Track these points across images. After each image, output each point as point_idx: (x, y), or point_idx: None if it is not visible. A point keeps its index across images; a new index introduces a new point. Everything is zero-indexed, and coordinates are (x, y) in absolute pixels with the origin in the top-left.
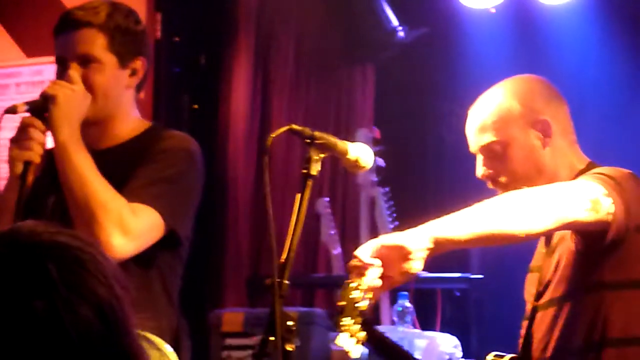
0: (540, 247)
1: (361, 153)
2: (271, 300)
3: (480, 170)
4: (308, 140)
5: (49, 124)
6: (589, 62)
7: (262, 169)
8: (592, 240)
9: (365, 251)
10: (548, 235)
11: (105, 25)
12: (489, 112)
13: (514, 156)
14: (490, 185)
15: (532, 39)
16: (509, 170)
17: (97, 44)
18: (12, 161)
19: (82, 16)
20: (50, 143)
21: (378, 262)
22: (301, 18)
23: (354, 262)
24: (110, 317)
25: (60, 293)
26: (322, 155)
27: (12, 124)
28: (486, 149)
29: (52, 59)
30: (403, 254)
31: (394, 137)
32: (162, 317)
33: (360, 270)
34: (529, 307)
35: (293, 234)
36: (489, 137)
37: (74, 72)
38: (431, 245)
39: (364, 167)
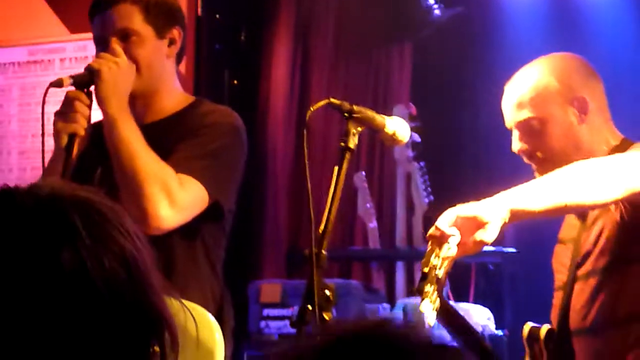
0: (572, 220)
1: (398, 127)
2: (309, 270)
3: (517, 145)
4: (346, 114)
5: (97, 98)
6: (625, 42)
7: (300, 144)
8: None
9: (444, 221)
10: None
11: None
12: (527, 88)
13: (551, 132)
14: (526, 160)
15: (568, 19)
16: (546, 146)
17: (134, 17)
18: (57, 134)
19: None
20: (95, 116)
21: (456, 231)
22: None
23: (433, 232)
24: (133, 267)
25: (85, 243)
26: (360, 129)
27: (57, 98)
28: (523, 125)
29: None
30: (478, 224)
31: (430, 114)
32: (206, 287)
33: (440, 240)
34: (561, 277)
35: (331, 206)
36: (526, 113)
37: (116, 45)
38: (507, 216)
39: (400, 141)
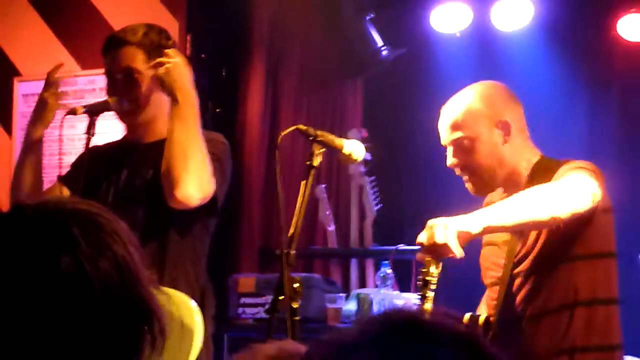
0: None
1: (354, 148)
2: (280, 267)
3: (450, 160)
4: (311, 138)
5: (173, 91)
6: (537, 77)
7: (271, 161)
8: (574, 222)
9: (452, 240)
10: None
11: (142, 42)
12: (459, 111)
13: (479, 150)
14: (457, 172)
15: (490, 59)
16: (475, 162)
17: (137, 58)
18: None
19: (123, 36)
20: (99, 140)
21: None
22: (304, 40)
23: (431, 246)
24: (125, 269)
25: (83, 249)
26: (322, 150)
27: (70, 122)
28: (456, 143)
29: (103, 70)
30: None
31: (379, 136)
32: (191, 278)
33: (438, 253)
34: (494, 274)
35: (299, 213)
36: (458, 133)
37: (172, 51)
38: (480, 232)
39: (356, 159)
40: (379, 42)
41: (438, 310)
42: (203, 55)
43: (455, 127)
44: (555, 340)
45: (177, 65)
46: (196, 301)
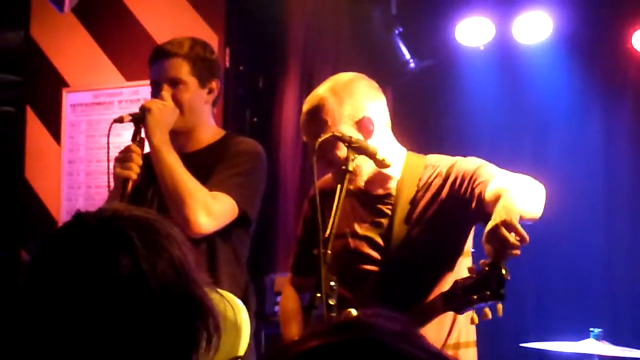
0: (364, 216)
1: (386, 154)
2: (317, 266)
3: (314, 158)
4: (347, 144)
5: (145, 131)
6: (556, 87)
7: (305, 166)
8: (476, 217)
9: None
10: (375, 208)
11: (188, 55)
12: (319, 111)
13: (341, 148)
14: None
15: (512, 70)
16: (339, 161)
17: (182, 69)
18: (115, 176)
19: (170, 49)
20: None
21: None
22: (336, 51)
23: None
24: (180, 269)
25: (141, 252)
26: (357, 156)
27: (115, 131)
28: (322, 144)
29: (147, 82)
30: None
31: (406, 144)
32: (235, 279)
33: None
34: (362, 267)
35: (334, 216)
36: (323, 131)
37: (166, 92)
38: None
39: (389, 164)
40: (407, 54)
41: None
42: (241, 67)
43: (316, 124)
44: (440, 336)
45: (163, 107)
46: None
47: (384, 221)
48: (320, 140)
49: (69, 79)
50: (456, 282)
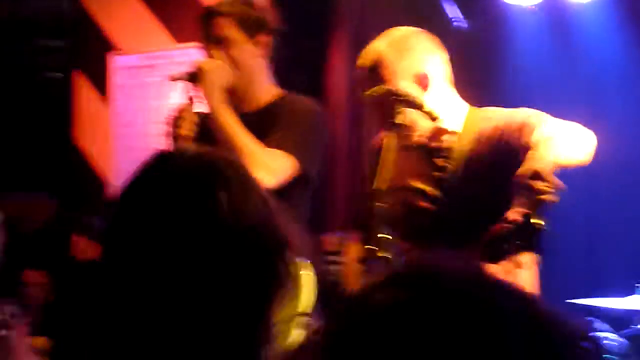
0: (423, 169)
1: (434, 106)
2: (370, 218)
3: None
4: (394, 97)
5: (202, 91)
6: (608, 47)
7: (354, 127)
8: None
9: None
10: (432, 160)
11: (232, 12)
12: (377, 64)
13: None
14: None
15: (565, 30)
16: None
17: (228, 27)
18: (171, 138)
19: (215, 8)
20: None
21: None
22: (385, 12)
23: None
24: (268, 207)
25: (235, 189)
26: (405, 109)
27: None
28: (376, 98)
29: (196, 44)
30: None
31: None
32: (297, 237)
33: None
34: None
35: (388, 166)
36: (376, 84)
37: (216, 52)
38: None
39: (436, 117)
40: (458, 14)
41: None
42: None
43: (370, 77)
44: None
45: (216, 67)
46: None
47: (442, 175)
48: (370, 92)
49: (118, 43)
50: (491, 230)
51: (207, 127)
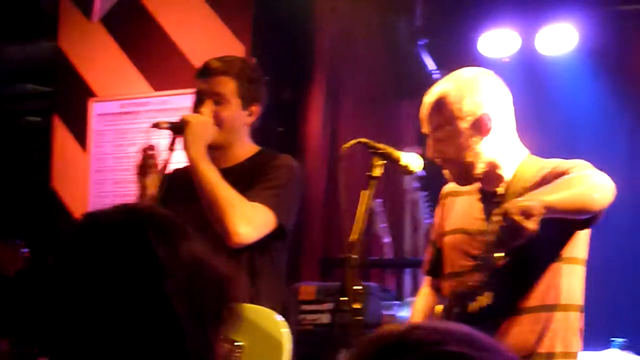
0: (477, 213)
1: (410, 160)
2: (343, 270)
3: (430, 150)
4: (372, 150)
5: (183, 143)
6: (581, 99)
7: (331, 176)
8: (580, 222)
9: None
10: (488, 206)
11: (237, 75)
12: (441, 103)
13: (458, 142)
14: (438, 162)
15: (537, 82)
16: (453, 154)
17: (229, 88)
18: (138, 184)
19: (220, 66)
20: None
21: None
22: (362, 63)
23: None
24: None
25: (158, 252)
26: (382, 162)
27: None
28: (436, 134)
29: (175, 91)
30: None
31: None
32: (275, 289)
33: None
34: (461, 264)
35: (360, 221)
36: (439, 125)
37: (207, 108)
38: (543, 213)
39: (412, 171)
40: (432, 65)
41: (427, 326)
42: (267, 77)
43: (436, 117)
44: (529, 341)
45: (202, 122)
46: (280, 312)
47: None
48: (346, 146)
49: (96, 89)
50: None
51: (183, 182)
